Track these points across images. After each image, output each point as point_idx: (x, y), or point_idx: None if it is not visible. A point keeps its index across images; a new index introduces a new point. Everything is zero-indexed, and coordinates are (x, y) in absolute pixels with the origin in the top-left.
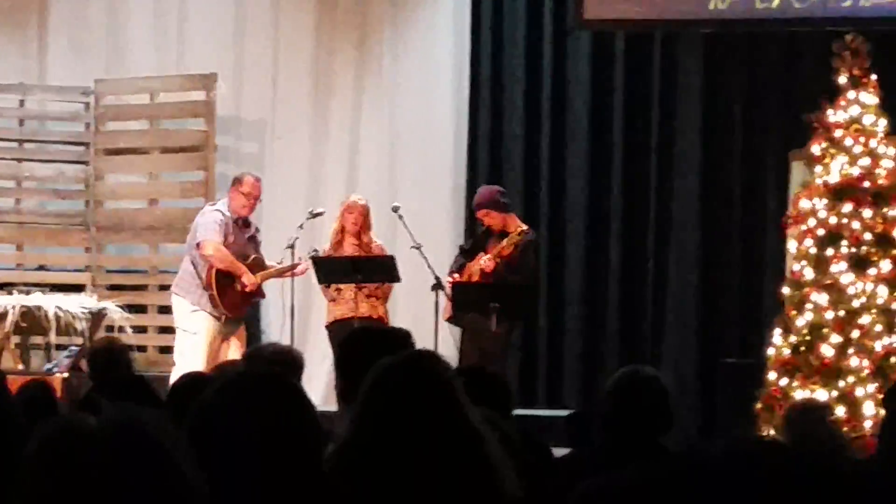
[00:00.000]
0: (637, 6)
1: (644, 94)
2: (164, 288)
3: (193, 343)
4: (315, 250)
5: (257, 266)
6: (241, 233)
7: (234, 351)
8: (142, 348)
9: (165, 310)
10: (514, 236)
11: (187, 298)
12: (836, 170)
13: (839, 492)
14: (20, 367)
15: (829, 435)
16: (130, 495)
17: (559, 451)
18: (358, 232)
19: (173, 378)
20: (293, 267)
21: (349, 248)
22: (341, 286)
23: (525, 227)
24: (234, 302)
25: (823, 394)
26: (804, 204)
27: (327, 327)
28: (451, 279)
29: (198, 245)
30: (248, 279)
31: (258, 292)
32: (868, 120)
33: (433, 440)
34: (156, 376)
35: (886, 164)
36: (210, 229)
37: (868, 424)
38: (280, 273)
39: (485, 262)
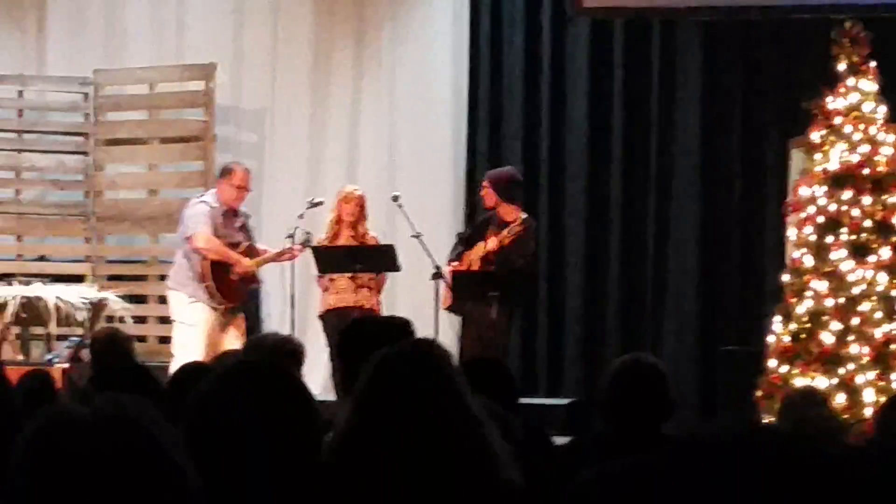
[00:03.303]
0: None
1: (643, 82)
2: (165, 278)
3: (192, 335)
4: (308, 233)
5: (250, 253)
6: (231, 222)
7: (232, 340)
8: (142, 338)
9: (166, 300)
10: (514, 227)
11: (183, 291)
12: (836, 157)
13: (836, 477)
14: (20, 357)
15: (825, 421)
16: (123, 485)
17: (560, 440)
18: (354, 223)
19: (173, 370)
20: (288, 251)
21: (345, 239)
22: (334, 276)
23: (524, 215)
24: (232, 290)
25: (824, 381)
26: (804, 191)
27: (320, 316)
28: (450, 267)
29: (188, 238)
30: (241, 266)
31: (254, 279)
32: (867, 107)
33: (433, 429)
34: (156, 366)
35: (886, 151)
36: (199, 221)
37: (868, 412)
38: (275, 258)
39: (492, 242)
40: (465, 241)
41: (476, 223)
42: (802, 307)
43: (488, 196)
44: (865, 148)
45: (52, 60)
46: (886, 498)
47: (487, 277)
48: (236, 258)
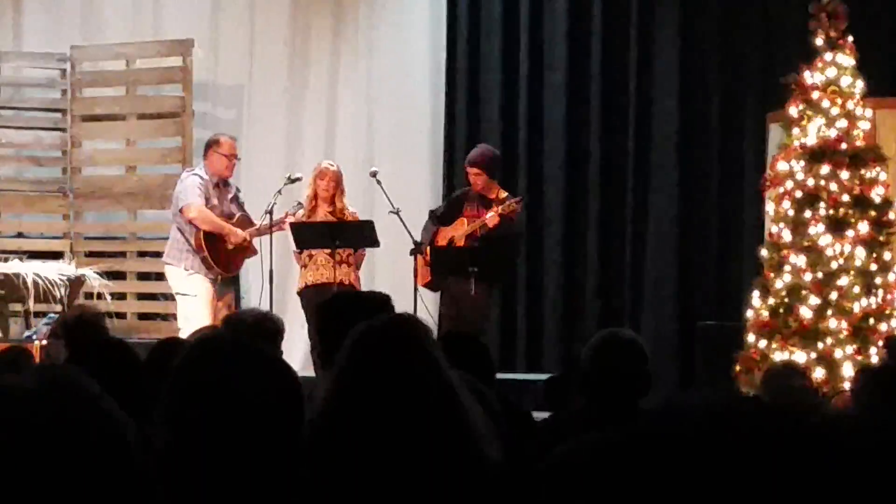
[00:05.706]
0: None
1: (621, 56)
2: (143, 254)
3: (195, 304)
4: (299, 203)
5: (245, 224)
6: (223, 194)
7: (224, 313)
8: (121, 315)
9: (144, 276)
10: (511, 203)
11: (179, 265)
12: (814, 132)
13: (818, 446)
14: None
15: (806, 395)
16: (65, 452)
17: (539, 415)
18: (331, 198)
19: None
20: (281, 221)
21: (322, 215)
22: (313, 252)
23: (507, 193)
24: (228, 260)
25: (802, 355)
26: (782, 166)
27: (299, 293)
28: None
29: (181, 210)
30: (235, 237)
31: (250, 249)
32: (845, 82)
33: (412, 404)
34: (136, 343)
35: (863, 125)
36: (191, 193)
37: (847, 386)
38: (268, 229)
39: (490, 216)
40: (440, 219)
41: (450, 200)
42: (781, 282)
43: (481, 182)
44: (843, 123)
45: (28, 36)
46: (867, 468)
47: (466, 253)
48: (230, 229)
